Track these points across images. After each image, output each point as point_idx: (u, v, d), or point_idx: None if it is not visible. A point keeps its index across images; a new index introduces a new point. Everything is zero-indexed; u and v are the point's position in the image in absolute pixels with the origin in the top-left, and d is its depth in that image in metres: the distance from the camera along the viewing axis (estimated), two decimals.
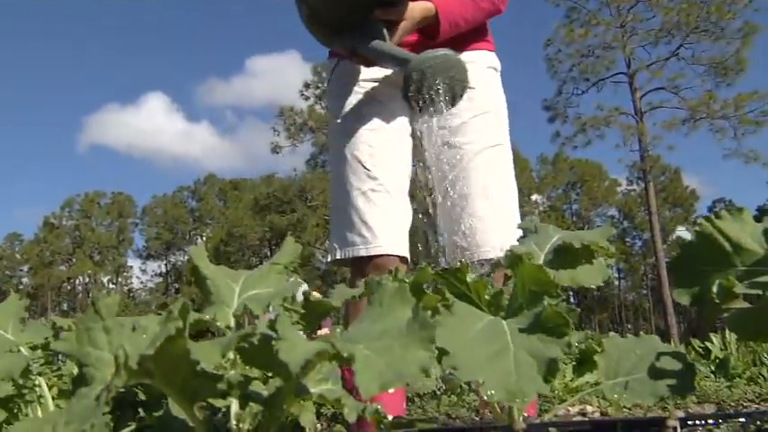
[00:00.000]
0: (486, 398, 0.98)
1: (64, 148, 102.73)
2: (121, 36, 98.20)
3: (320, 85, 34.71)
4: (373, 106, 2.41)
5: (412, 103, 2.26)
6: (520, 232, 1.53)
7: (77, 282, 61.61)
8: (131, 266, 66.10)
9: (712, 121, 27.61)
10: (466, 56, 2.43)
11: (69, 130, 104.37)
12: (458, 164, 2.35)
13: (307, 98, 35.09)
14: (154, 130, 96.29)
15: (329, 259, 2.39)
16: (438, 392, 3.46)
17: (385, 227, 2.29)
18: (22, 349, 1.55)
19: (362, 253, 2.26)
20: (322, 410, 2.98)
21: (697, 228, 1.22)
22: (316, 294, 1.40)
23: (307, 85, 35.06)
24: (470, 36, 2.47)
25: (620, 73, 29.23)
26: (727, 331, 6.87)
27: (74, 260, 60.94)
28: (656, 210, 29.38)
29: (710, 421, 1.23)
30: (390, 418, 1.72)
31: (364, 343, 0.76)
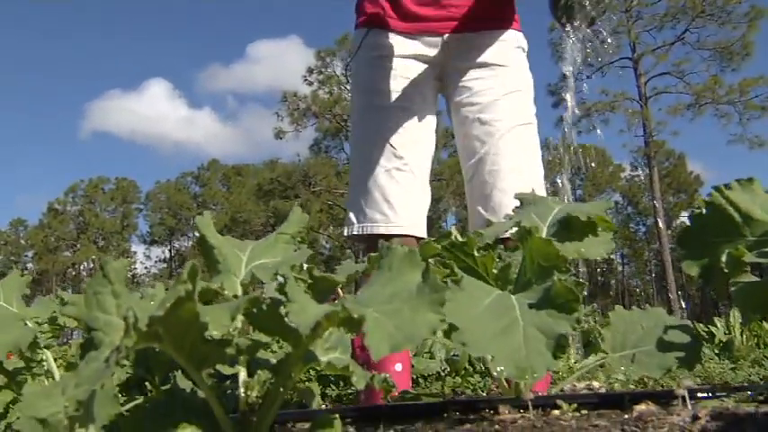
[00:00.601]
0: (495, 373, 0.97)
1: (66, 135, 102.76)
2: (123, 22, 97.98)
3: (323, 70, 34.58)
4: (404, 84, 2.38)
5: (558, 13, 2.23)
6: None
7: (82, 267, 61.75)
8: (135, 252, 66.22)
9: (717, 106, 27.51)
10: (498, 35, 2.42)
11: (71, 117, 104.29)
12: (488, 140, 2.33)
13: (310, 83, 34.98)
14: (156, 116, 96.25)
15: (345, 233, 2.37)
16: (443, 374, 3.47)
17: (407, 206, 2.28)
18: (28, 323, 1.55)
19: (382, 230, 2.25)
20: (327, 392, 3.00)
21: (707, 198, 1.20)
22: None
23: (310, 71, 34.94)
24: (502, 16, 2.46)
25: (625, 58, 29.10)
26: (731, 315, 6.87)
27: (78, 246, 61.07)
28: (659, 195, 29.34)
29: (719, 393, 1.22)
30: (398, 393, 1.72)
31: (374, 306, 0.76)
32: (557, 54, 28.70)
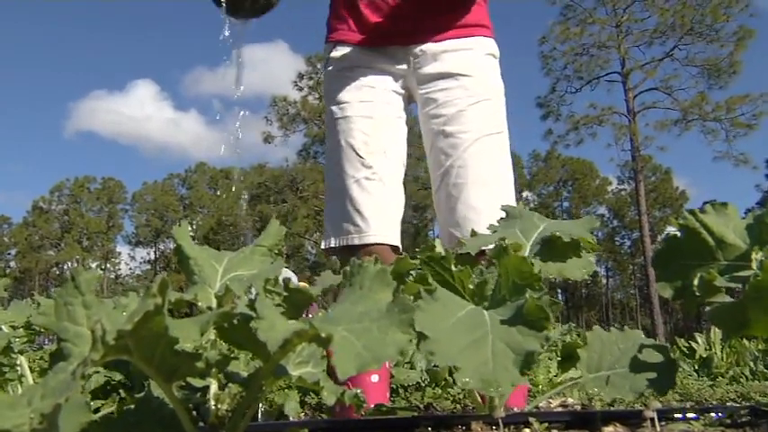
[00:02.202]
0: (460, 384, 0.98)
1: (50, 134, 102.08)
2: (109, 23, 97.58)
3: (314, 75, 34.60)
4: (369, 93, 2.39)
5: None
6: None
7: (65, 267, 61.27)
8: (120, 252, 65.88)
9: (704, 122, 27.73)
10: (464, 42, 2.43)
11: (55, 116, 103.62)
12: (453, 152, 2.33)
13: (300, 89, 35.00)
14: (141, 117, 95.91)
15: (323, 246, 2.38)
16: (423, 384, 3.47)
17: (378, 216, 2.28)
18: (2, 327, 1.54)
19: (355, 241, 2.25)
20: (306, 399, 2.99)
21: (681, 221, 1.22)
22: (303, 284, 1.39)
23: (300, 76, 34.97)
24: (467, 24, 2.46)
25: (615, 72, 29.30)
26: (712, 331, 6.91)
27: (62, 245, 60.65)
28: (645, 210, 29.51)
29: (690, 415, 1.23)
30: (372, 405, 1.72)
31: (343, 324, 0.76)
32: (546, 66, 28.91)
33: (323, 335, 0.72)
